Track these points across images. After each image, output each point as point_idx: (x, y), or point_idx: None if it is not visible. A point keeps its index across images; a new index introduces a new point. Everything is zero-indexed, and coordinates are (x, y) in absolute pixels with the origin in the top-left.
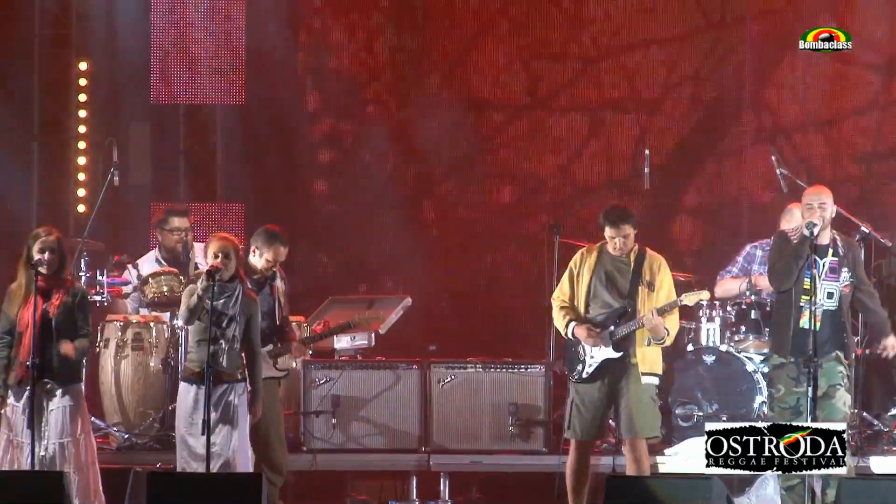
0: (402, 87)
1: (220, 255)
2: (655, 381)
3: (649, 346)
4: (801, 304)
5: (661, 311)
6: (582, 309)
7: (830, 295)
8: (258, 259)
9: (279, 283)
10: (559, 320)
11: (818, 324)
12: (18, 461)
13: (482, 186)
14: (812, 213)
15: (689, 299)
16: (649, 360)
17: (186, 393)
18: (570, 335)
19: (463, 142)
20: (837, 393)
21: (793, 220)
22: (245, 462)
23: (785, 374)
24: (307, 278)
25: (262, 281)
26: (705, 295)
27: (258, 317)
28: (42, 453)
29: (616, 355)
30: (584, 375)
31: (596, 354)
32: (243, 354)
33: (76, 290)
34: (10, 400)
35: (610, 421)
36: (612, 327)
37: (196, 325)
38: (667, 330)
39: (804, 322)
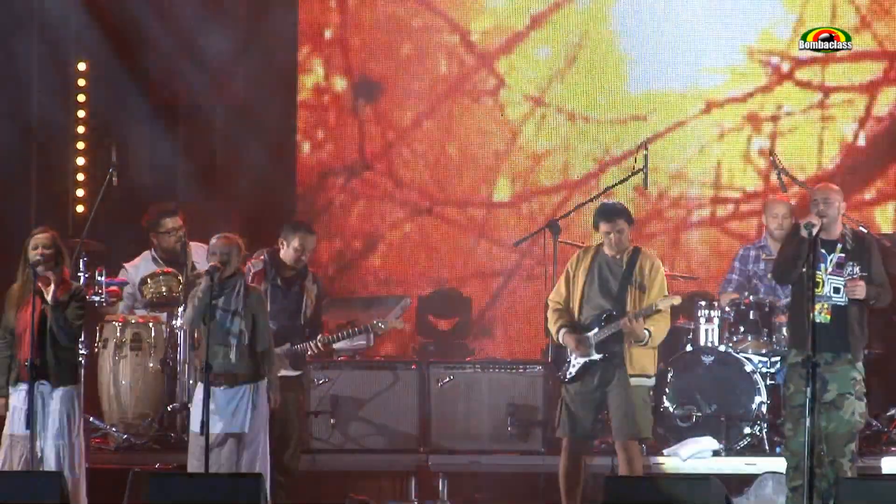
0: (400, 88)
1: (218, 253)
2: (647, 382)
3: (631, 347)
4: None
5: (637, 316)
6: (576, 311)
7: (837, 290)
8: (287, 251)
9: (310, 285)
10: (551, 323)
11: (828, 317)
12: (12, 460)
13: (482, 184)
14: (815, 209)
15: (663, 304)
16: (639, 362)
17: (200, 394)
18: (560, 340)
19: (461, 141)
20: (846, 402)
21: (774, 212)
22: (264, 464)
23: (797, 374)
24: None
25: (292, 279)
26: (676, 300)
27: (265, 308)
28: (38, 454)
29: (597, 357)
30: (569, 376)
31: (579, 356)
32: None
33: (73, 289)
34: (11, 400)
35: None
36: (595, 329)
37: (205, 327)
38: (648, 331)
39: (812, 315)
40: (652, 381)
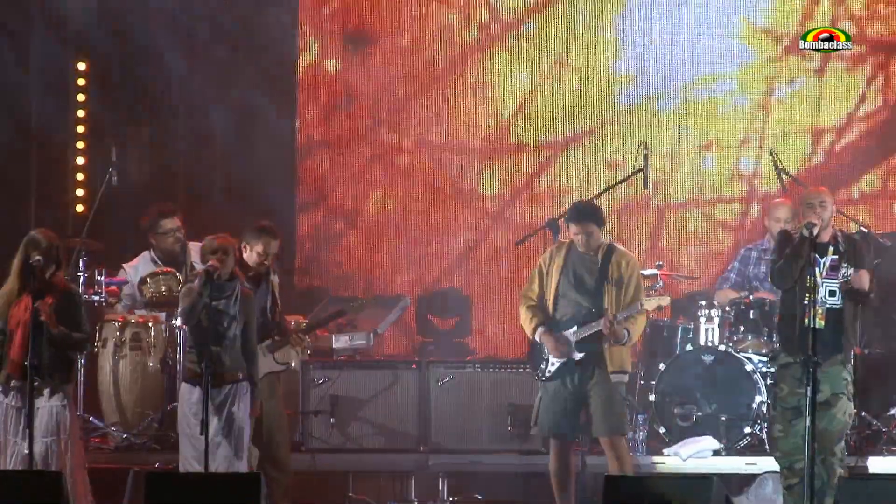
0: (399, 87)
1: (218, 252)
2: (624, 378)
3: (610, 346)
4: (806, 302)
5: (620, 318)
6: (550, 308)
7: (833, 293)
8: (250, 255)
9: (272, 276)
10: (525, 321)
11: (822, 322)
12: (6, 459)
13: (481, 184)
14: (812, 211)
15: (649, 304)
16: (617, 358)
17: (189, 394)
18: (536, 339)
19: (461, 139)
20: (839, 402)
21: (777, 215)
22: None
23: (789, 375)
24: (305, 277)
25: (257, 278)
26: (665, 300)
27: (255, 314)
28: (27, 452)
29: (577, 357)
30: (547, 375)
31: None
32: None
33: (67, 292)
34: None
35: None
36: (574, 328)
37: (197, 326)
38: (627, 331)
39: (808, 321)
40: (627, 377)
